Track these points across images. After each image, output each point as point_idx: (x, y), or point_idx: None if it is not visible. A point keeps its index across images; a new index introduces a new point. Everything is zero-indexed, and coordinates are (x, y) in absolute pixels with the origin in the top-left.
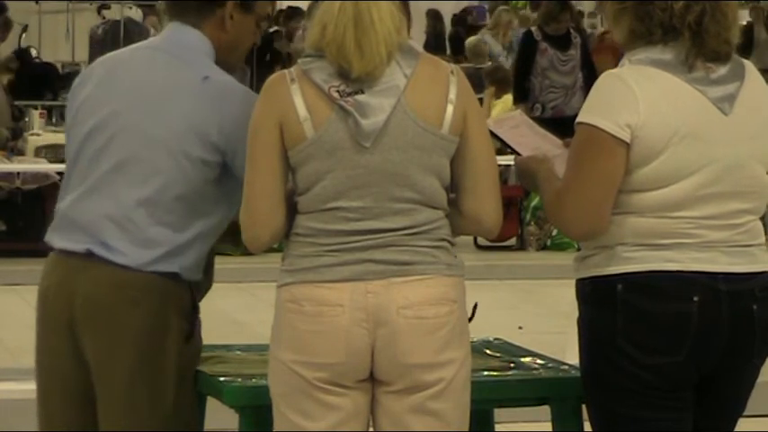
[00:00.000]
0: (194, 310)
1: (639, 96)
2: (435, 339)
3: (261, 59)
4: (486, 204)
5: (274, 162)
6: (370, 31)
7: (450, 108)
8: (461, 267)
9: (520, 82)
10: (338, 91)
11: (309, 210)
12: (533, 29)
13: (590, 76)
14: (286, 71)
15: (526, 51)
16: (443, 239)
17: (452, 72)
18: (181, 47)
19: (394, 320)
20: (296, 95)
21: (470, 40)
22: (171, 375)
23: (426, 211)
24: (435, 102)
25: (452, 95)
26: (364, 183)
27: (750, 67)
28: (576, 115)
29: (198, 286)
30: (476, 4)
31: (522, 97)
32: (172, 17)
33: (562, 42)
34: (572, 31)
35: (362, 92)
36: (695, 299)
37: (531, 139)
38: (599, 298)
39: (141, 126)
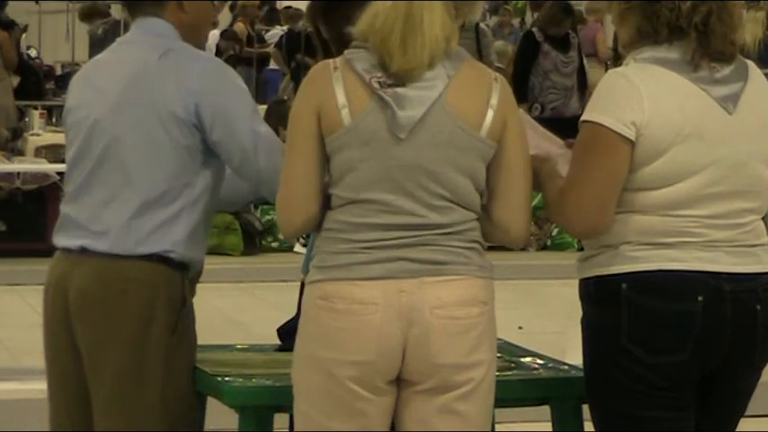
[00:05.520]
0: (184, 302)
1: (644, 94)
2: (466, 340)
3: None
4: (516, 214)
5: (312, 149)
6: (417, 32)
7: (490, 113)
8: (491, 270)
9: (519, 82)
10: (379, 81)
11: (341, 202)
12: (534, 30)
13: (582, 78)
14: (330, 60)
15: (527, 52)
16: (475, 241)
17: (496, 79)
18: (147, 34)
19: (427, 320)
20: (337, 83)
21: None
22: (157, 368)
23: (459, 211)
24: (476, 105)
25: (494, 101)
26: (397, 176)
27: (753, 67)
28: (573, 116)
29: (194, 274)
30: None
31: (521, 97)
32: (135, 16)
33: (563, 44)
34: (570, 32)
35: (404, 85)
36: (700, 299)
37: (532, 139)
38: (603, 297)
39: (116, 115)
